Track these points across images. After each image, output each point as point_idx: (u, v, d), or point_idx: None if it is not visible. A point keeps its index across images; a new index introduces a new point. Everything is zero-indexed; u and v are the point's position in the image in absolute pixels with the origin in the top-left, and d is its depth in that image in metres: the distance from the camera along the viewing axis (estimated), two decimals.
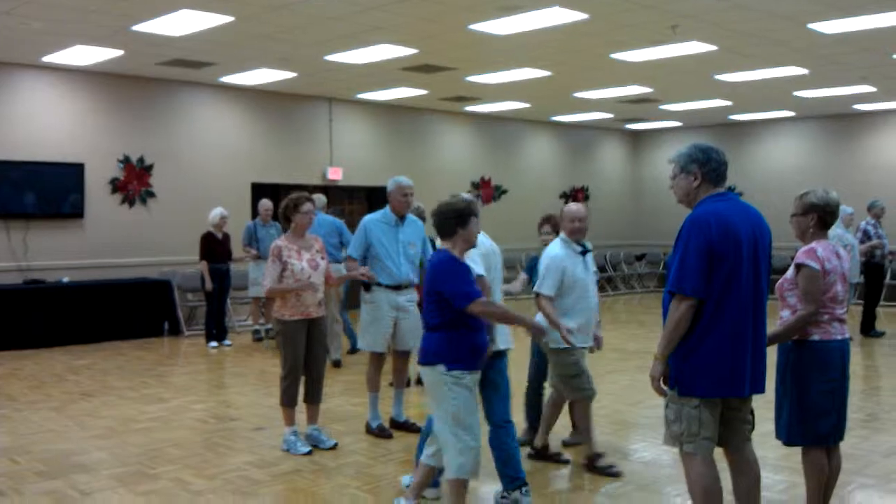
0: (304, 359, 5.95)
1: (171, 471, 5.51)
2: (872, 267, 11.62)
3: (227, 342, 10.91)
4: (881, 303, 12.04)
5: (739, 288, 3.70)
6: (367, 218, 6.41)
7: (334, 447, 6.00)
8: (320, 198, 9.76)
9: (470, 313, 4.15)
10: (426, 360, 4.26)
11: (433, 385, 4.25)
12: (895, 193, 14.61)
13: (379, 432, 6.32)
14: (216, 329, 10.87)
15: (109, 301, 11.22)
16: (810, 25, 8.94)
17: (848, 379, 4.28)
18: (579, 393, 5.44)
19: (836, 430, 4.26)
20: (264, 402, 7.53)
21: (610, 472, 5.39)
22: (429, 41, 9.79)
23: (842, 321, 4.28)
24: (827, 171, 16.34)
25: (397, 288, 6.22)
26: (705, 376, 3.71)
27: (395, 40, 9.75)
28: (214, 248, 10.64)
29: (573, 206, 5.46)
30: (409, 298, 6.32)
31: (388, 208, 6.34)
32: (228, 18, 8.57)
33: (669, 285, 3.75)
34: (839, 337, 4.24)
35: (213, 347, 10.73)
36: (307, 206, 5.98)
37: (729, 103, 15.21)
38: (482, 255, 4.65)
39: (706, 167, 3.83)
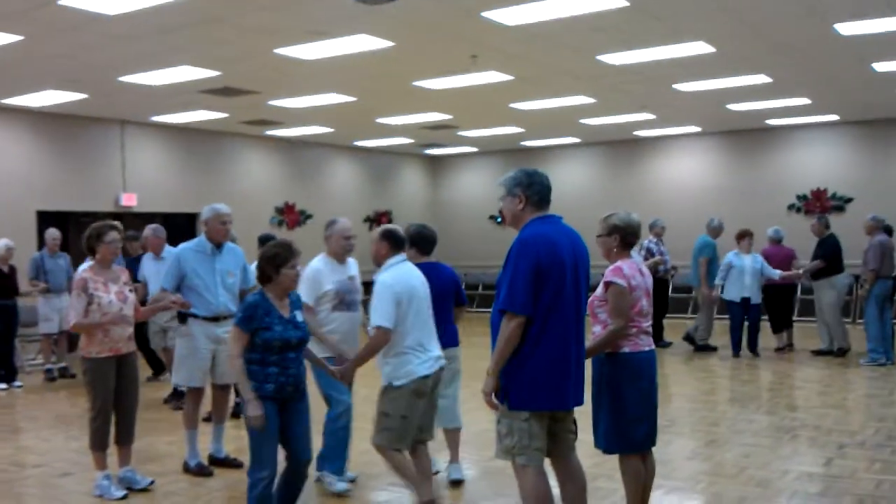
0: (114, 398, 5.63)
1: None
2: (657, 282, 12.47)
3: (18, 383, 10.09)
4: (666, 315, 12.96)
5: (564, 306, 3.90)
6: (181, 247, 6.17)
7: (151, 485, 5.71)
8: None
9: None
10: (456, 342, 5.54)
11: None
12: (674, 212, 15.78)
13: (198, 470, 6.06)
14: (4, 370, 10.05)
15: None
16: (599, 57, 9.56)
17: (657, 387, 4.60)
18: None
19: (649, 436, 4.56)
20: (66, 446, 7.03)
21: None
22: (232, 64, 9.59)
23: (648, 333, 4.60)
24: (611, 194, 17.44)
25: (215, 319, 6.01)
26: (535, 391, 3.89)
27: (196, 62, 9.48)
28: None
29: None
30: (229, 330, 6.09)
31: (202, 236, 6.14)
32: (17, 38, 8.01)
33: (500, 304, 3.91)
34: (647, 348, 4.55)
35: (3, 390, 9.89)
36: (111, 236, 5.65)
37: (521, 130, 15.95)
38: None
39: (530, 190, 4.03)
